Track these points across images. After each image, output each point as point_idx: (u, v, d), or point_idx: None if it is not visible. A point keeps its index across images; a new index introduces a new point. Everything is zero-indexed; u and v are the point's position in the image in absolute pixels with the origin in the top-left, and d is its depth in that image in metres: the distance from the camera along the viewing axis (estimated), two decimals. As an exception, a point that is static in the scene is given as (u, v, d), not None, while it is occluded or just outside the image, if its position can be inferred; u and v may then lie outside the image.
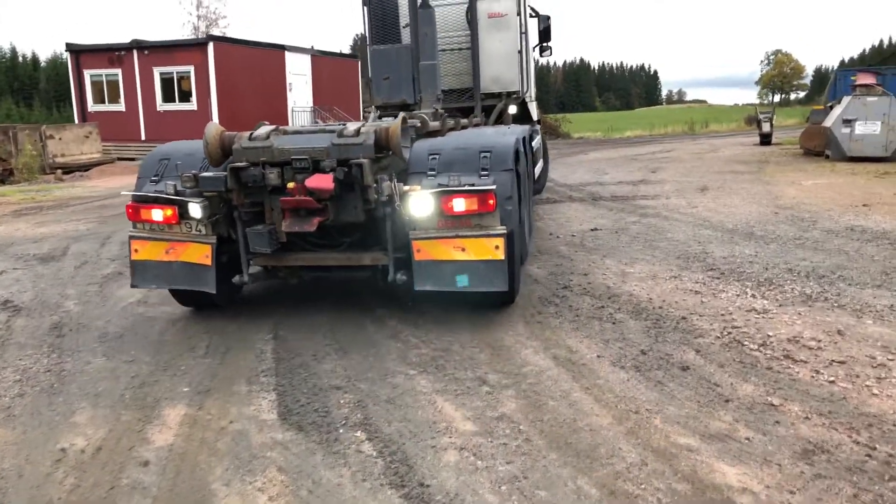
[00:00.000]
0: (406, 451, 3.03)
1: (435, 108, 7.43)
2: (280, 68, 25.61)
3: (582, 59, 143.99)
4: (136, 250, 4.71)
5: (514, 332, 4.55)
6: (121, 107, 24.00)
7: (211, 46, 22.27)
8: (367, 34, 9.47)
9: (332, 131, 4.53)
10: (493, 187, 4.26)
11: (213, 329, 4.82)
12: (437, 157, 4.62)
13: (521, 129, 6.33)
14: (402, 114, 4.76)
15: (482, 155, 4.54)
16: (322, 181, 4.21)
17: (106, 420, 3.44)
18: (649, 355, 4.04)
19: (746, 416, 3.25)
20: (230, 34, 49.51)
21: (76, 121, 24.80)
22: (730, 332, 4.36)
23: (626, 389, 3.59)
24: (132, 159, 23.34)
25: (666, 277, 5.78)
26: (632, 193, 11.20)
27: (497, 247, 4.27)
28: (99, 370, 4.12)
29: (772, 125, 23.29)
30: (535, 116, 10.30)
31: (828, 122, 15.44)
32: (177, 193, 4.50)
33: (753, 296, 5.15)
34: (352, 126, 4.53)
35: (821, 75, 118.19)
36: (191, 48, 22.64)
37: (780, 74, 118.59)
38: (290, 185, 4.32)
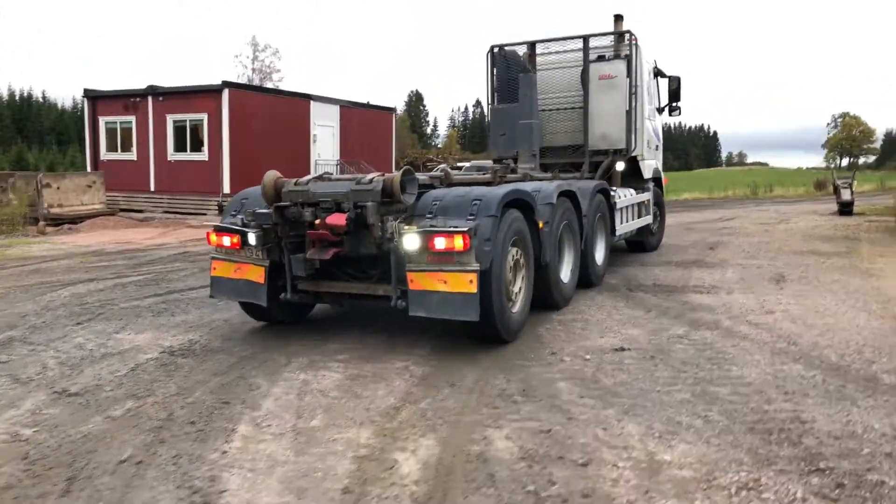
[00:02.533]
0: None
1: (504, 162, 9.29)
2: (304, 118, 23.94)
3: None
4: (214, 268, 5.91)
5: None
6: (132, 156, 22.63)
7: (226, 93, 20.71)
8: (489, 94, 10.55)
9: (353, 179, 5.42)
10: (466, 229, 4.87)
11: None
12: (437, 203, 5.36)
13: (553, 184, 6.98)
14: (405, 167, 5.49)
15: (473, 203, 5.24)
16: (337, 219, 5.17)
17: None
18: None
19: None
20: (283, 87, 49.26)
21: (88, 169, 23.58)
22: None
23: None
24: (139, 211, 21.80)
25: (731, 489, 3.07)
26: (681, 282, 8.46)
27: (471, 281, 4.86)
28: None
29: (852, 192, 20.16)
30: (646, 174, 10.63)
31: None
32: (243, 225, 5.67)
33: (928, 580, 2.41)
34: (369, 176, 5.39)
35: (892, 139, 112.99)
36: (205, 95, 21.13)
37: (848, 137, 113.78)
38: (317, 221, 5.27)
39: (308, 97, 24.22)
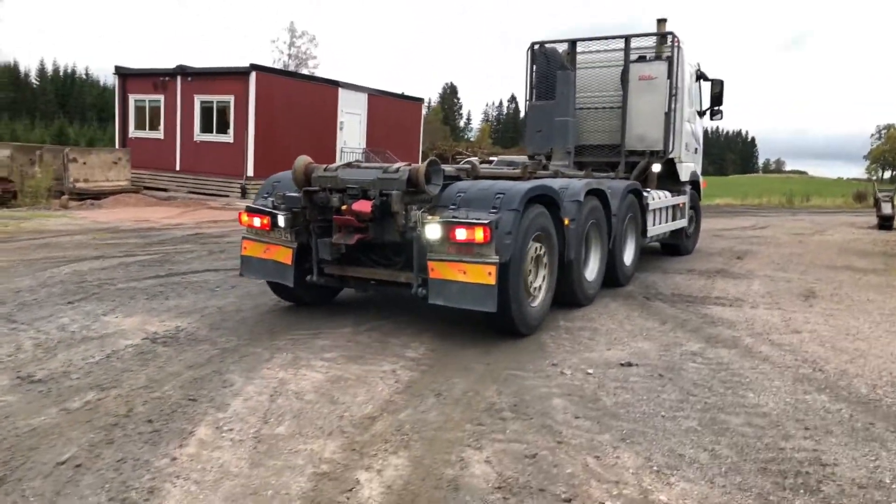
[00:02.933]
0: None
1: (535, 158, 9.35)
2: (331, 105, 23.71)
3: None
4: (245, 248, 6.05)
5: None
6: (160, 134, 22.63)
7: (253, 76, 20.55)
8: (527, 90, 10.42)
9: (380, 168, 5.57)
10: (487, 222, 4.93)
11: None
12: (462, 194, 5.37)
13: (582, 182, 6.95)
14: (432, 158, 5.52)
15: (496, 196, 5.25)
16: (363, 206, 5.31)
17: None
18: None
19: None
20: (318, 74, 48.88)
21: (117, 146, 23.67)
22: None
23: None
24: (164, 190, 21.80)
25: (733, 543, 2.67)
26: (703, 292, 7.98)
27: (490, 273, 4.91)
28: None
29: (893, 206, 19.25)
30: (682, 177, 10.46)
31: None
32: (274, 208, 5.80)
33: None
34: (396, 165, 5.56)
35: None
36: (233, 77, 20.99)
37: (892, 150, 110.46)
38: (344, 207, 5.45)
39: (336, 84, 24.00)
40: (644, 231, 8.81)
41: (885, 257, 11.83)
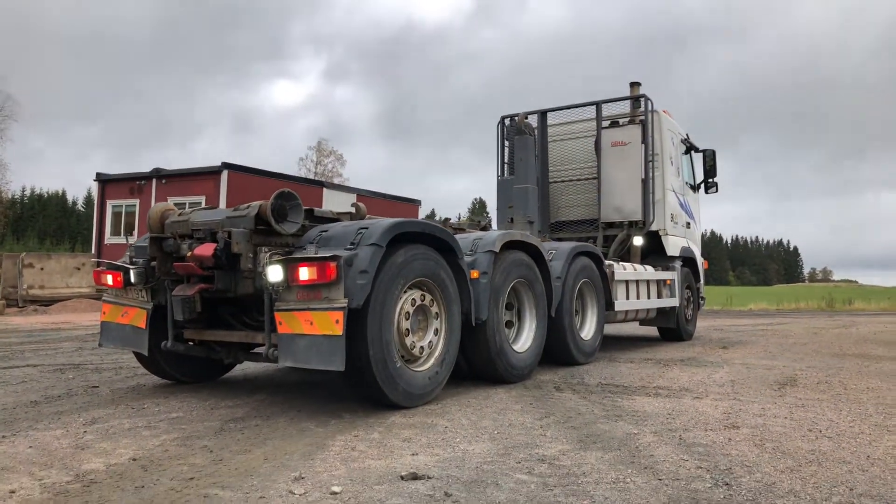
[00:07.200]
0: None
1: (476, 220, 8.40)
2: (315, 205, 22.74)
3: (713, 232, 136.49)
4: (104, 312, 5.27)
5: None
6: (133, 240, 21.80)
7: (224, 175, 19.82)
8: (499, 166, 9.86)
9: (234, 209, 4.68)
10: (331, 255, 4.05)
11: None
12: (323, 234, 4.54)
13: (498, 233, 5.86)
14: (284, 190, 4.60)
15: (358, 232, 4.37)
16: (205, 249, 4.42)
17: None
18: None
19: None
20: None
21: (93, 252, 22.91)
22: None
23: None
24: (134, 297, 20.64)
25: None
26: (643, 382, 5.92)
27: (337, 321, 3.98)
28: None
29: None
30: (670, 252, 9.44)
31: None
32: (130, 262, 5.04)
33: None
34: (249, 203, 4.63)
35: None
36: (205, 176, 20.32)
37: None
38: (189, 253, 4.54)
39: (321, 184, 23.22)
40: (610, 303, 7.65)
41: (914, 346, 9.52)
